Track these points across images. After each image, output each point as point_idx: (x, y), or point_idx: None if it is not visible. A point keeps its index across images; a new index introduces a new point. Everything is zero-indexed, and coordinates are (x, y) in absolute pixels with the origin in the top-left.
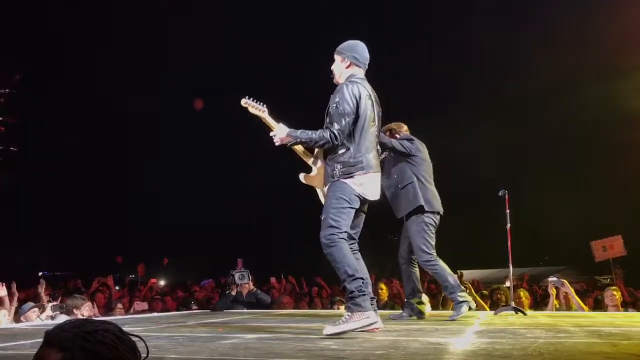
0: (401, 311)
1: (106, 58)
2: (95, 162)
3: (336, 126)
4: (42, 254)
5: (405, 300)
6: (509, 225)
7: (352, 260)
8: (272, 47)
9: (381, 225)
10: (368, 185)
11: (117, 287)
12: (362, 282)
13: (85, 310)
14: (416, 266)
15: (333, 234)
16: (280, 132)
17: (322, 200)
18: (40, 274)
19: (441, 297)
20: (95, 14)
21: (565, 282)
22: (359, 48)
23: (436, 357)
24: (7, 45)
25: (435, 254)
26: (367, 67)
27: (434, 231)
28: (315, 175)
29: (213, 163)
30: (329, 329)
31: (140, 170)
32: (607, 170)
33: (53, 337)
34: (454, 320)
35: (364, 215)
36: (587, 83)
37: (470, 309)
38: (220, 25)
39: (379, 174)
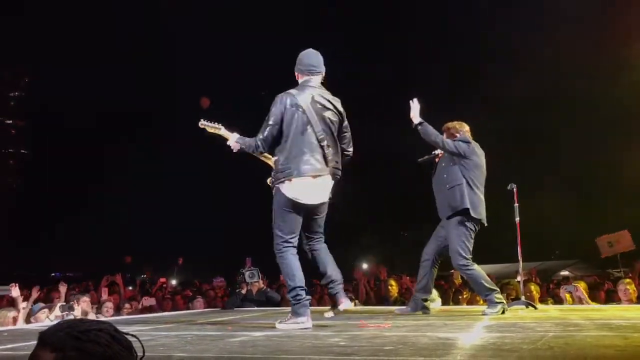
0: (406, 307)
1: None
2: (105, 163)
3: (260, 135)
4: (54, 255)
5: (415, 294)
6: (517, 219)
7: (294, 271)
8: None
9: (393, 223)
10: (302, 189)
11: (130, 288)
12: (300, 291)
13: (84, 305)
14: (437, 268)
15: (278, 244)
16: (231, 141)
17: None
18: (52, 274)
19: (451, 293)
20: None
21: (579, 287)
22: (303, 57)
23: (445, 352)
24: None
25: (471, 259)
26: (316, 70)
27: (473, 237)
28: None
29: (222, 161)
30: (278, 324)
31: (151, 170)
32: (618, 164)
33: (46, 338)
34: (485, 315)
35: (319, 216)
36: (596, 76)
37: (504, 312)
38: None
39: (319, 178)
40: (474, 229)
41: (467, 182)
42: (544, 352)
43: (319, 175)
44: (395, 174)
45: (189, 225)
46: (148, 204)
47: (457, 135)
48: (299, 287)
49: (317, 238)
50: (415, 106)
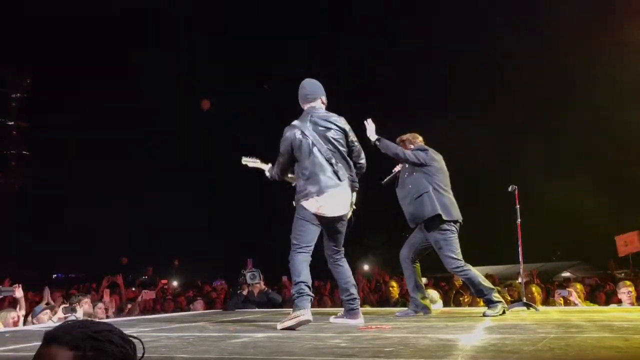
0: (406, 309)
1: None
2: (106, 163)
3: (276, 169)
4: (56, 257)
5: (410, 297)
6: (519, 220)
7: (300, 269)
8: None
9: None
10: (322, 205)
11: (132, 289)
12: (303, 285)
13: (86, 306)
14: (416, 264)
15: (292, 250)
16: (266, 172)
17: None
18: (54, 276)
19: (452, 294)
20: None
21: (573, 292)
22: (300, 89)
23: (445, 353)
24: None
25: (462, 259)
26: (312, 97)
27: (456, 238)
28: None
29: (222, 163)
30: (278, 325)
31: (150, 173)
32: (622, 166)
33: (61, 336)
34: (486, 316)
35: (340, 229)
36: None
37: (504, 311)
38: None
39: (336, 191)
40: (454, 229)
41: (434, 188)
42: (544, 354)
43: (335, 189)
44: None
45: (188, 227)
46: (149, 205)
47: (412, 145)
48: (303, 282)
49: (340, 252)
50: (370, 125)
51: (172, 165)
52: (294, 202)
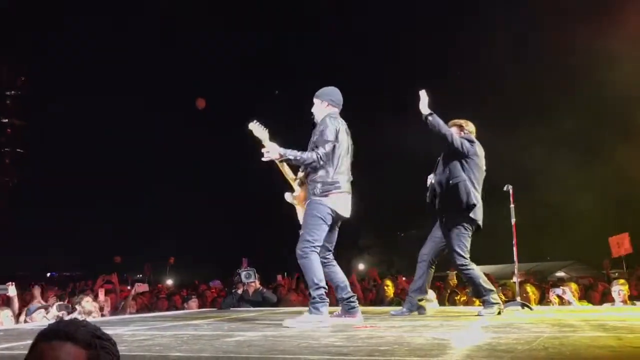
0: (401, 308)
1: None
2: (99, 162)
3: (321, 150)
4: (51, 255)
5: (409, 295)
6: (514, 220)
7: (319, 271)
8: None
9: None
10: (341, 204)
11: (128, 287)
12: (325, 291)
13: (88, 305)
14: (433, 268)
15: (306, 247)
16: (271, 149)
17: (300, 217)
18: (48, 274)
19: (447, 294)
20: None
21: (568, 290)
22: (335, 92)
23: (440, 352)
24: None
25: (469, 258)
26: (341, 107)
27: (469, 237)
28: (297, 195)
29: (218, 161)
30: (290, 322)
31: (145, 171)
32: (616, 166)
33: (75, 334)
34: (481, 315)
35: (337, 230)
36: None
37: (499, 313)
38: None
39: (350, 196)
40: (471, 229)
41: (470, 181)
42: (538, 353)
43: (349, 194)
44: (393, 173)
45: (185, 226)
46: (143, 203)
47: (462, 133)
48: (324, 287)
49: (332, 252)
50: (424, 97)
51: (170, 163)
52: (291, 199)
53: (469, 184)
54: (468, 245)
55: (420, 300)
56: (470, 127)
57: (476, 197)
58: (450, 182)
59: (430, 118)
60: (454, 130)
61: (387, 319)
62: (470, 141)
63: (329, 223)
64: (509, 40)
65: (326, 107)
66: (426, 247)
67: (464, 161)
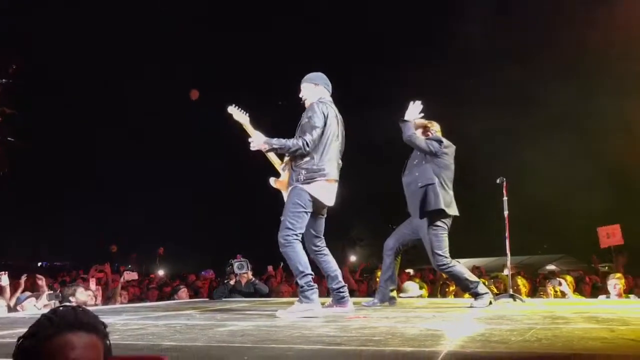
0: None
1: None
2: (89, 150)
3: (308, 137)
4: (41, 245)
5: (381, 286)
6: (506, 212)
7: (303, 259)
8: None
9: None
10: (325, 191)
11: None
12: (311, 277)
13: (82, 296)
14: (399, 259)
15: (288, 235)
16: (257, 140)
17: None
18: (39, 264)
19: (439, 285)
20: None
21: (563, 282)
22: (324, 76)
23: (433, 343)
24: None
25: (449, 256)
26: (329, 90)
27: (446, 235)
28: (283, 180)
29: (212, 153)
30: (282, 313)
31: (137, 160)
32: (608, 158)
33: (95, 326)
34: (473, 307)
35: (324, 218)
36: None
37: (491, 302)
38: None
39: (336, 184)
40: (447, 225)
41: (440, 182)
42: (532, 344)
43: (336, 181)
44: (384, 165)
45: (176, 216)
46: (135, 193)
47: (430, 133)
48: (310, 274)
49: (322, 240)
50: (414, 108)
51: (165, 154)
52: (297, 175)
53: (438, 186)
54: (447, 244)
55: (392, 290)
56: (435, 126)
57: (447, 196)
58: (419, 184)
59: (402, 123)
60: (418, 132)
61: (380, 310)
62: (439, 141)
63: (310, 211)
64: None
65: (320, 90)
66: (391, 240)
67: (435, 162)
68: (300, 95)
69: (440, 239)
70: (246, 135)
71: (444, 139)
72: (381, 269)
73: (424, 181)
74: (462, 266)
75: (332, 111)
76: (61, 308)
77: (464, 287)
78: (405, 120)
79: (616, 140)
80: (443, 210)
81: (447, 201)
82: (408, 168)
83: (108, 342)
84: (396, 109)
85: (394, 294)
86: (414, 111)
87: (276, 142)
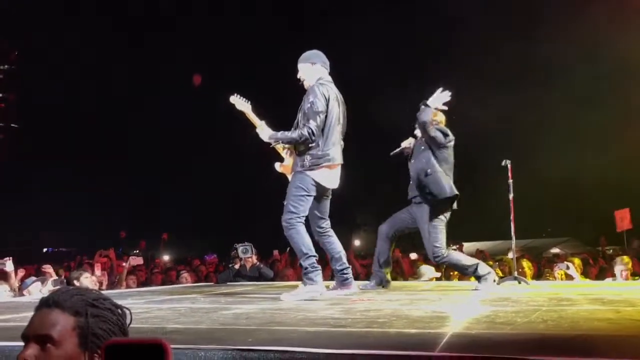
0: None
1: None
2: (96, 137)
3: (313, 123)
4: (46, 230)
5: (376, 269)
6: (511, 195)
7: (307, 241)
8: None
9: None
10: (330, 176)
11: (123, 264)
12: (315, 259)
13: (86, 281)
14: (393, 243)
15: (292, 219)
16: (262, 135)
17: None
18: (44, 250)
19: (443, 269)
20: None
21: (571, 265)
22: (321, 54)
23: (439, 324)
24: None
25: (445, 247)
26: (328, 68)
27: (444, 226)
28: (288, 165)
29: (216, 137)
30: (286, 296)
31: (142, 147)
32: (617, 143)
33: (63, 301)
34: (478, 290)
35: (329, 199)
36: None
37: (494, 281)
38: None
39: (339, 167)
40: (447, 218)
41: (443, 171)
42: (537, 325)
43: (340, 165)
44: (392, 149)
45: (182, 202)
46: (143, 178)
47: (433, 124)
48: (314, 255)
49: (327, 221)
50: (441, 96)
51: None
52: (302, 161)
53: (442, 175)
54: (444, 234)
55: (387, 273)
56: (439, 117)
57: (452, 187)
58: (429, 171)
59: (423, 106)
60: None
61: (384, 293)
62: (445, 134)
63: (313, 194)
64: None
65: (318, 69)
66: (385, 226)
67: (437, 153)
68: (298, 77)
69: (439, 231)
70: (250, 124)
71: (450, 133)
72: (374, 254)
73: (432, 169)
74: (457, 253)
75: (333, 93)
76: (60, 289)
77: (464, 272)
78: (428, 105)
79: (624, 123)
80: (446, 200)
81: (450, 190)
82: (415, 155)
83: (84, 319)
84: (403, 92)
85: (389, 276)
86: (439, 99)
87: (281, 135)
